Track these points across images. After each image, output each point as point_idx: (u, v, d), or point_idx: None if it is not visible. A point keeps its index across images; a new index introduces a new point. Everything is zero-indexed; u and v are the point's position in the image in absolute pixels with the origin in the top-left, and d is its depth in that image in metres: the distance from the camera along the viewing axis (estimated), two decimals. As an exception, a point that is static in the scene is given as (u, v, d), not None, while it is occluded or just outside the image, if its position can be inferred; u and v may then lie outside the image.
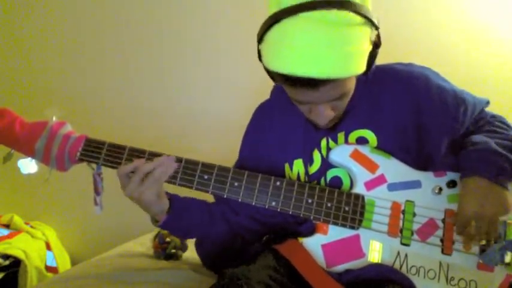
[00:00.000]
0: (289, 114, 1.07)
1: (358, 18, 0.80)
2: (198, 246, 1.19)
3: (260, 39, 0.85)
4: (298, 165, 1.06)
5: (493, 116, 1.10)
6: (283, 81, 0.86)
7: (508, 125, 1.07)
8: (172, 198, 1.07)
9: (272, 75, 0.92)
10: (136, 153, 1.02)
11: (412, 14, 1.95)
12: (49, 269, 2.06)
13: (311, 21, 0.78)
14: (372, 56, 0.88)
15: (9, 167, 1.07)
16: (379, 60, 0.97)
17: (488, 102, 1.12)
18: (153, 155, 1.02)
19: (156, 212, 1.02)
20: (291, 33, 0.79)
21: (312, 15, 0.77)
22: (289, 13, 0.78)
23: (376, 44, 0.88)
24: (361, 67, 0.84)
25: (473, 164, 0.95)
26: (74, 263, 2.19)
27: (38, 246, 2.05)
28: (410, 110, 1.00)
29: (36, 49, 2.20)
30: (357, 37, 0.81)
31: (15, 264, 1.91)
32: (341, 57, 0.79)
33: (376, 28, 0.85)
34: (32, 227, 2.15)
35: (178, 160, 1.01)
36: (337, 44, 0.79)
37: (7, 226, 2.11)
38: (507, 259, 0.95)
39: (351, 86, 0.92)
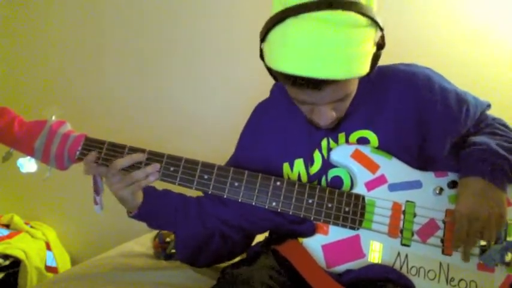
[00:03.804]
0: (290, 114, 1.07)
1: (364, 20, 0.79)
2: (175, 239, 1.16)
3: (263, 38, 0.84)
4: (298, 165, 1.05)
5: (494, 119, 1.11)
6: (286, 81, 0.85)
7: (508, 127, 1.07)
8: (146, 191, 1.07)
9: (274, 74, 0.91)
10: (136, 152, 1.02)
11: (411, 14, 1.95)
12: (49, 269, 2.05)
13: (316, 22, 0.77)
14: (376, 57, 0.87)
15: (9, 166, 1.07)
16: (380, 61, 0.97)
17: (489, 106, 1.12)
18: (152, 155, 1.02)
19: (129, 207, 1.05)
20: (295, 33, 0.78)
21: (317, 15, 0.77)
22: (294, 12, 0.77)
23: (380, 45, 0.87)
24: (365, 69, 0.83)
25: (472, 164, 0.95)
26: (74, 263, 2.19)
27: (38, 246, 2.05)
28: (412, 110, 1.00)
29: (36, 48, 2.20)
30: (362, 38, 0.80)
31: (15, 264, 1.91)
32: (345, 58, 0.79)
33: (381, 29, 0.84)
34: (32, 227, 2.15)
35: (142, 152, 1.02)
36: (342, 45, 0.78)
37: (7, 226, 2.11)
38: (507, 260, 0.95)
39: (354, 87, 0.92)
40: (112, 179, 0.99)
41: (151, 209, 1.07)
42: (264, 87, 1.17)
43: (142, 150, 1.02)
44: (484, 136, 1.01)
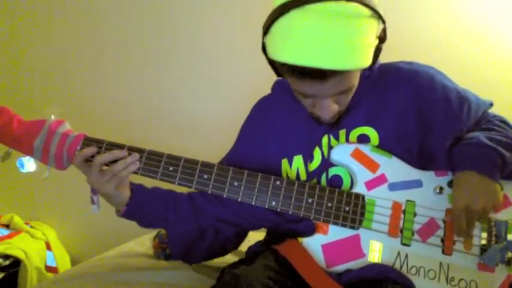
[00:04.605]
0: (290, 110, 1.07)
1: (366, 11, 0.80)
2: (167, 236, 1.16)
3: (266, 30, 0.85)
4: (297, 161, 1.05)
5: (494, 116, 1.10)
6: (290, 73, 0.85)
7: (508, 124, 1.07)
8: (135, 189, 1.07)
9: (278, 67, 0.91)
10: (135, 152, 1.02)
11: (411, 14, 1.95)
12: (49, 269, 2.06)
13: (320, 13, 0.78)
14: (377, 50, 0.88)
15: (8, 166, 1.07)
16: (380, 59, 0.97)
17: (491, 104, 1.12)
18: (151, 154, 1.02)
19: (115, 203, 1.05)
20: (300, 24, 0.79)
21: (321, 6, 0.77)
22: (297, 4, 0.78)
23: (382, 39, 0.88)
24: (367, 60, 0.84)
25: (464, 158, 0.95)
26: (74, 263, 2.19)
27: (38, 246, 2.05)
28: (413, 108, 1.00)
29: (36, 49, 2.20)
30: (365, 30, 0.81)
31: (15, 264, 1.91)
32: (349, 49, 0.79)
33: (383, 22, 0.85)
34: (32, 227, 2.15)
35: (141, 151, 1.02)
36: (345, 36, 0.79)
37: (7, 226, 2.11)
38: (508, 259, 0.95)
39: (356, 80, 0.92)
40: (93, 175, 0.99)
41: (140, 206, 1.07)
42: (263, 86, 1.17)
43: (142, 150, 1.02)
44: (477, 131, 1.02)
